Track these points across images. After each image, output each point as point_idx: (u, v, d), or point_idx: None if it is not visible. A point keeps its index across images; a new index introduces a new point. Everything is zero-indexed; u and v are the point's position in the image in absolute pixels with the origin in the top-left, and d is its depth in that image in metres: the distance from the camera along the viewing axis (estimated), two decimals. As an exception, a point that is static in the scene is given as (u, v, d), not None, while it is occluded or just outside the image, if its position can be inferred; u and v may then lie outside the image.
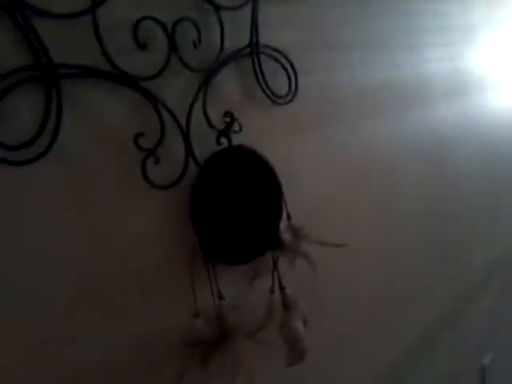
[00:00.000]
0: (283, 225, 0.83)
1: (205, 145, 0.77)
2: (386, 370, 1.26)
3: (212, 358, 0.77)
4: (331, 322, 1.06)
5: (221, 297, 0.76)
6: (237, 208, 0.76)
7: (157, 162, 0.69)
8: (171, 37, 0.69)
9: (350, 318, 1.12)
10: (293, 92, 0.90)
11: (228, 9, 0.77)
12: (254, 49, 0.82)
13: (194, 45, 0.73)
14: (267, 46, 0.85)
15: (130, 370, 0.72)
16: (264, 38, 0.84)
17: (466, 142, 1.51)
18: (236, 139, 0.79)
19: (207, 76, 0.76)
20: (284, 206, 0.82)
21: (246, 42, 0.82)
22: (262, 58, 0.84)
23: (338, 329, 1.08)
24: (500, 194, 1.78)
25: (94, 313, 0.67)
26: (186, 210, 0.72)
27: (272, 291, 0.85)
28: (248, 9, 0.80)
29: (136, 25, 0.65)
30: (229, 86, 0.82)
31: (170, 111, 0.71)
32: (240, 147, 0.79)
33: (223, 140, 0.78)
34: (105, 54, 0.63)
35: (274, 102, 0.88)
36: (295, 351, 0.85)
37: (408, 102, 1.25)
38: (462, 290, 1.57)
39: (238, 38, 0.81)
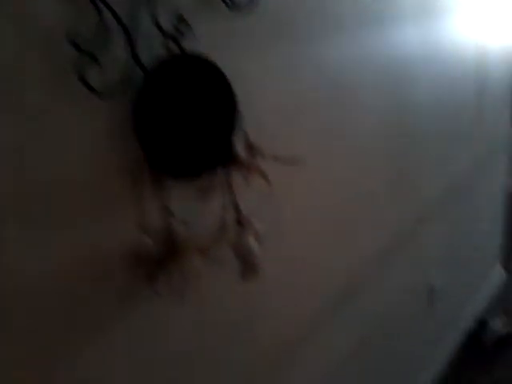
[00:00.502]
0: (237, 139, 0.80)
1: (152, 50, 0.70)
2: (336, 293, 1.28)
3: (160, 275, 0.75)
4: (284, 244, 1.05)
5: (169, 212, 0.73)
6: (186, 119, 0.71)
7: (96, 66, 0.63)
8: None
9: (303, 241, 1.11)
10: (253, 1, 0.84)
11: None
12: None
13: None
14: None
15: (76, 282, 0.69)
16: None
17: (429, 67, 1.48)
18: (189, 47, 0.73)
19: (154, -30, 0.68)
20: (238, 119, 0.78)
21: None
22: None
23: (290, 251, 1.08)
24: (455, 122, 1.77)
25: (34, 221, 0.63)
26: (130, 120, 0.66)
27: (225, 208, 0.83)
28: None
29: None
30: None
31: (109, 7, 0.63)
32: (192, 55, 0.73)
33: (173, 46, 0.72)
34: None
35: (231, 8, 0.82)
36: (248, 267, 0.84)
37: (373, 20, 1.20)
38: (414, 215, 1.60)
39: None
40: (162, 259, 0.74)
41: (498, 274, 2.59)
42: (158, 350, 0.83)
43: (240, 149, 0.80)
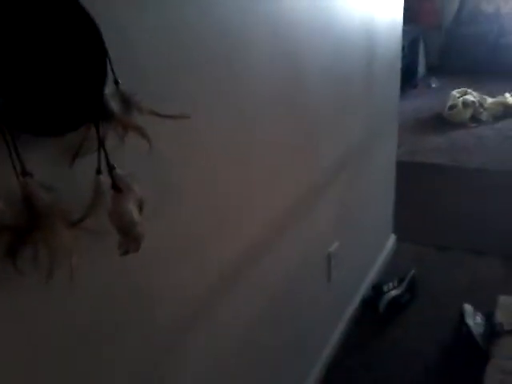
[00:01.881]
0: (109, 91, 0.69)
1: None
2: (232, 265, 1.22)
3: (22, 248, 0.64)
4: (172, 213, 0.97)
5: (25, 173, 0.61)
6: (41, 62, 0.59)
7: None
8: None
9: (195, 210, 1.04)
10: None
11: None
12: None
13: None
14: None
15: None
16: None
17: (319, 34, 1.45)
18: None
19: None
20: (109, 66, 0.67)
21: None
22: None
23: (180, 221, 1.00)
24: (347, 92, 1.78)
25: None
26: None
27: (99, 171, 0.73)
28: None
29: None
30: None
31: None
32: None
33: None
34: None
35: None
36: (129, 239, 0.75)
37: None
38: (309, 182, 1.58)
39: None
40: (21, 230, 0.63)
41: (391, 242, 2.70)
42: (20, 341, 0.72)
43: (113, 103, 0.70)
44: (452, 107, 4.85)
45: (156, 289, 0.97)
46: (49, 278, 0.66)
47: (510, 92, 5.08)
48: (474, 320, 2.07)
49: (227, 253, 1.18)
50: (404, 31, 2.27)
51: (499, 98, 4.96)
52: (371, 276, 2.42)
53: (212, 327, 1.17)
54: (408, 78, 5.46)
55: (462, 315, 2.10)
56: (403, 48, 2.33)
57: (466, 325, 2.04)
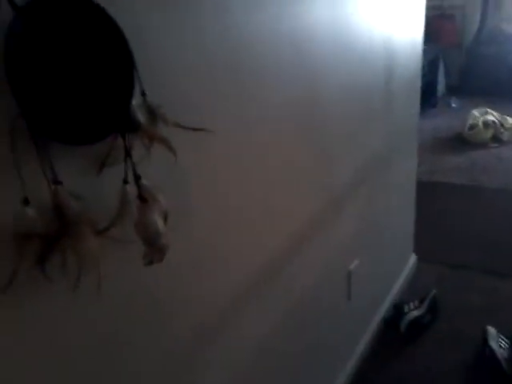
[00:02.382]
0: (136, 102, 0.71)
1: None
2: (252, 278, 1.22)
3: (51, 256, 0.65)
4: (194, 224, 0.98)
5: (57, 181, 0.63)
6: (71, 74, 0.61)
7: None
8: None
9: (215, 223, 1.04)
10: None
11: None
12: None
13: None
14: None
15: None
16: None
17: (340, 50, 1.46)
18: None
19: None
20: (136, 78, 0.69)
21: None
22: None
23: (201, 233, 1.01)
24: (366, 108, 1.79)
25: None
26: (2, 68, 0.56)
27: (126, 181, 0.74)
28: None
29: None
30: None
31: None
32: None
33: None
34: None
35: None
36: (153, 249, 0.76)
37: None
38: (329, 198, 1.58)
39: None
40: (51, 237, 0.64)
41: (412, 262, 2.67)
42: (50, 345, 0.73)
43: (140, 114, 0.72)
44: (472, 127, 4.81)
45: (176, 300, 0.97)
46: (76, 285, 0.67)
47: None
48: (498, 343, 2.02)
49: (247, 266, 1.19)
50: (424, 50, 2.28)
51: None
52: (392, 295, 2.39)
53: (231, 339, 1.17)
54: (428, 97, 5.43)
55: (485, 337, 2.05)
56: (423, 67, 2.34)
57: (490, 347, 2.00)
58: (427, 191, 3.37)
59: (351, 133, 1.64)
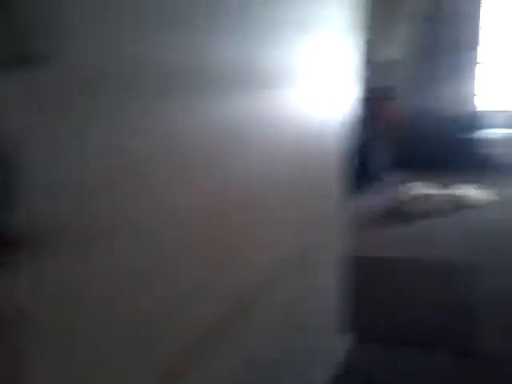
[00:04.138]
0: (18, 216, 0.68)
1: None
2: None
3: None
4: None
5: None
6: None
7: None
8: None
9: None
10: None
11: None
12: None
13: None
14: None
15: None
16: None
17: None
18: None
19: None
20: (15, 192, 0.66)
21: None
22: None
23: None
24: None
25: None
26: None
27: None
28: None
29: None
30: None
31: None
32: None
33: None
34: None
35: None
36: None
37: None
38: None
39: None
40: None
41: (346, 342, 2.58)
42: None
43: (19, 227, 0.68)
44: (406, 201, 5.00)
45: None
46: None
47: (465, 184, 5.29)
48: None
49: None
50: (359, 130, 2.31)
51: (452, 190, 5.16)
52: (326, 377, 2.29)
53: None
54: (365, 174, 5.65)
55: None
56: (362, 146, 2.40)
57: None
58: (365, 267, 3.40)
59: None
